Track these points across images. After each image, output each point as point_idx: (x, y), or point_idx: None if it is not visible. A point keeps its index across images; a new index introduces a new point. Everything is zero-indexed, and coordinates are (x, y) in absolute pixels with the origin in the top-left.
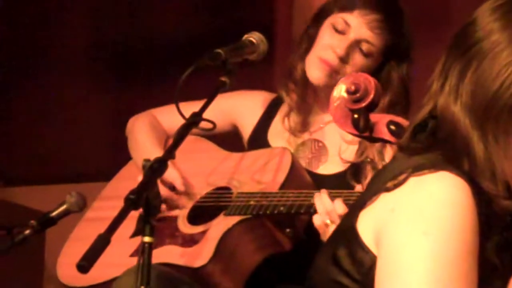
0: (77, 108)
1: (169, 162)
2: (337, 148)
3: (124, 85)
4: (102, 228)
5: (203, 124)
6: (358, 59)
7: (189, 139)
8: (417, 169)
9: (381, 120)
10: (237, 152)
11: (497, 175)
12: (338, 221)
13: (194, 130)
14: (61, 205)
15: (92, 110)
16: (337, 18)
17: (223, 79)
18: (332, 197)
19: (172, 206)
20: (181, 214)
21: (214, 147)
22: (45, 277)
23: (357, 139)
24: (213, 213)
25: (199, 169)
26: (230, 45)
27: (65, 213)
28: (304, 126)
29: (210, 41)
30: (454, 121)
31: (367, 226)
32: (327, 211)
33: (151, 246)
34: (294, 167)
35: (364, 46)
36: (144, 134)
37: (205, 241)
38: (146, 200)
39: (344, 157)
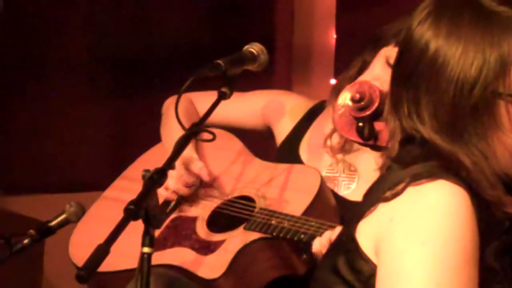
0: (76, 117)
1: (196, 155)
2: (368, 176)
3: (124, 94)
4: (118, 210)
5: (204, 136)
6: None
7: (220, 134)
8: (415, 178)
9: (386, 129)
10: (265, 153)
11: (491, 179)
12: None
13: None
14: (60, 214)
15: (92, 119)
16: (393, 52)
17: (223, 89)
18: None
19: (196, 199)
20: (201, 216)
21: (244, 150)
22: (44, 287)
23: None
24: (232, 222)
25: (224, 169)
26: (231, 55)
27: (64, 223)
28: (344, 146)
29: (210, 50)
30: (432, 142)
31: (366, 235)
32: (329, 239)
33: (150, 257)
34: (321, 190)
35: None
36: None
37: (221, 252)
38: (145, 211)
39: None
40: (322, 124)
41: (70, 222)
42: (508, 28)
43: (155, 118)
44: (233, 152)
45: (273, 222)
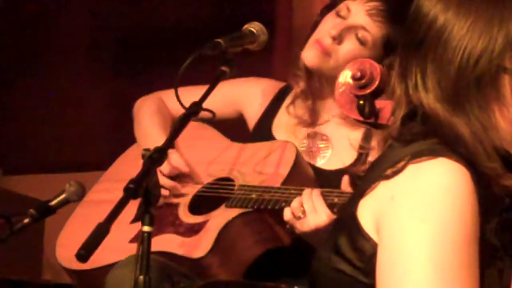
0: (77, 97)
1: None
2: (341, 142)
3: (125, 74)
4: (102, 210)
5: (203, 114)
6: (352, 45)
7: (193, 125)
8: (416, 156)
9: (387, 107)
10: (240, 141)
11: (489, 150)
12: (310, 215)
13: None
14: (60, 194)
15: (92, 99)
16: (342, 6)
17: (223, 68)
18: (324, 196)
19: (175, 192)
20: (182, 202)
21: (217, 135)
22: (44, 266)
23: (361, 135)
24: (214, 203)
25: (201, 157)
26: (231, 34)
27: (64, 202)
28: (310, 117)
29: (210, 30)
30: (433, 113)
31: (367, 214)
32: (300, 201)
33: (150, 236)
34: (298, 161)
35: (360, 33)
36: (149, 117)
37: (205, 232)
38: (145, 189)
39: (346, 152)
40: (291, 100)
41: (70, 202)
42: None
43: None
44: (207, 139)
45: (253, 196)
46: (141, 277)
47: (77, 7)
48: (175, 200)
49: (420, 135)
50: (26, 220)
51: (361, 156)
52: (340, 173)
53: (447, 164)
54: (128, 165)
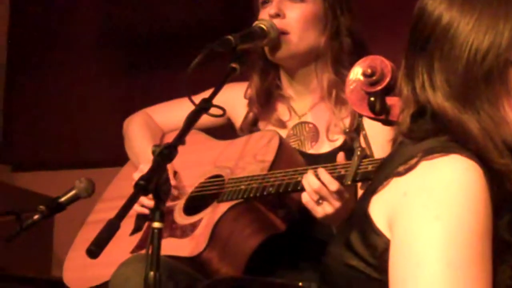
0: (87, 94)
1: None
2: (326, 126)
3: (135, 71)
4: None
5: (212, 111)
6: (293, 9)
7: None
8: (428, 153)
9: (397, 103)
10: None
11: (499, 146)
12: (331, 197)
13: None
14: (70, 190)
15: (102, 95)
16: None
17: (233, 65)
18: (330, 172)
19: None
20: (177, 206)
21: (203, 138)
22: (54, 262)
23: (345, 116)
24: (208, 202)
25: (191, 161)
26: (241, 31)
27: (74, 199)
28: (292, 113)
29: (220, 27)
30: (442, 111)
31: (380, 210)
32: (313, 189)
33: (161, 232)
34: (282, 147)
35: None
36: (140, 133)
37: (200, 229)
38: (155, 185)
39: (334, 135)
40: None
41: (80, 198)
42: None
43: (165, 95)
44: (194, 143)
45: (242, 187)
46: (152, 272)
47: (85, 7)
48: (170, 206)
49: (431, 132)
50: (36, 217)
51: (350, 137)
52: (331, 155)
53: (460, 161)
54: (125, 183)
